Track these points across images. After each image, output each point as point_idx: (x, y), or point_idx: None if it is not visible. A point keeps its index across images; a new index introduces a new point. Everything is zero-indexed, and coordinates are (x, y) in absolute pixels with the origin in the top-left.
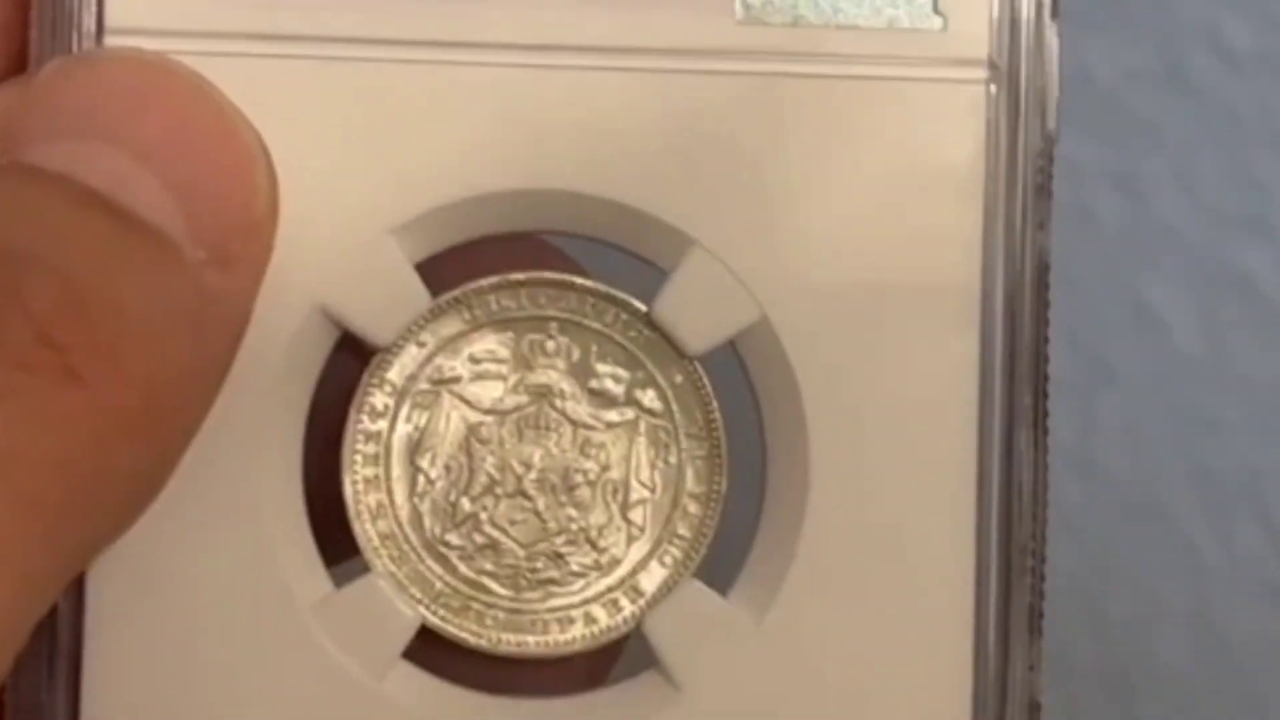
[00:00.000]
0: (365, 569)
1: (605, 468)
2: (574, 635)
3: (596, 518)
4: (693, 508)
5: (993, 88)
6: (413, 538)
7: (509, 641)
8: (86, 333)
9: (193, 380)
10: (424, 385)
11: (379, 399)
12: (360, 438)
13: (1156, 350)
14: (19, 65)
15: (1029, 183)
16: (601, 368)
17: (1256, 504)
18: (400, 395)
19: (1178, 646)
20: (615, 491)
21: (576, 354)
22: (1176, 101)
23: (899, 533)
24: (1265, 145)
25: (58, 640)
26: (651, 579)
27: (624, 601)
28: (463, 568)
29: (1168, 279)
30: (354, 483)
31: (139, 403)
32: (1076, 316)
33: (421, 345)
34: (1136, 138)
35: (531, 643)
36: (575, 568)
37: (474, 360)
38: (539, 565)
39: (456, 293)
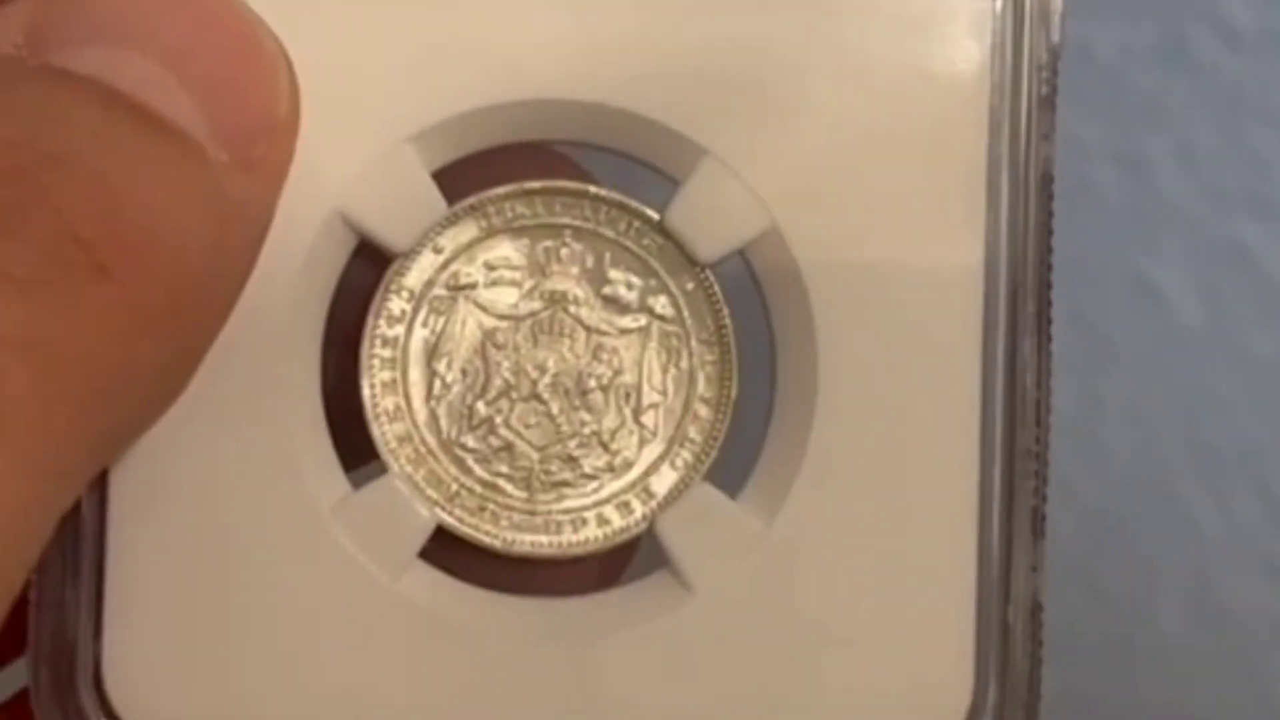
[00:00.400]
0: (382, 471)
1: (618, 372)
2: (587, 536)
3: (609, 421)
4: (704, 412)
5: (999, 1)
6: (429, 440)
7: (523, 542)
8: (115, 231)
9: (216, 280)
10: (440, 291)
11: (396, 304)
12: (378, 342)
13: (1158, 326)
14: None
15: (1034, 94)
16: (615, 275)
17: (1256, 477)
18: (417, 301)
19: (1177, 618)
20: (628, 396)
21: (590, 261)
22: (1178, 79)
23: (905, 437)
24: (1266, 122)
25: (81, 538)
26: (663, 481)
27: (636, 503)
28: (478, 470)
29: (1169, 255)
30: (371, 386)
31: (164, 300)
32: (1079, 293)
33: (438, 252)
34: (1138, 115)
35: (545, 543)
36: (588, 470)
37: (489, 267)
38: (553, 468)
39: (472, 200)
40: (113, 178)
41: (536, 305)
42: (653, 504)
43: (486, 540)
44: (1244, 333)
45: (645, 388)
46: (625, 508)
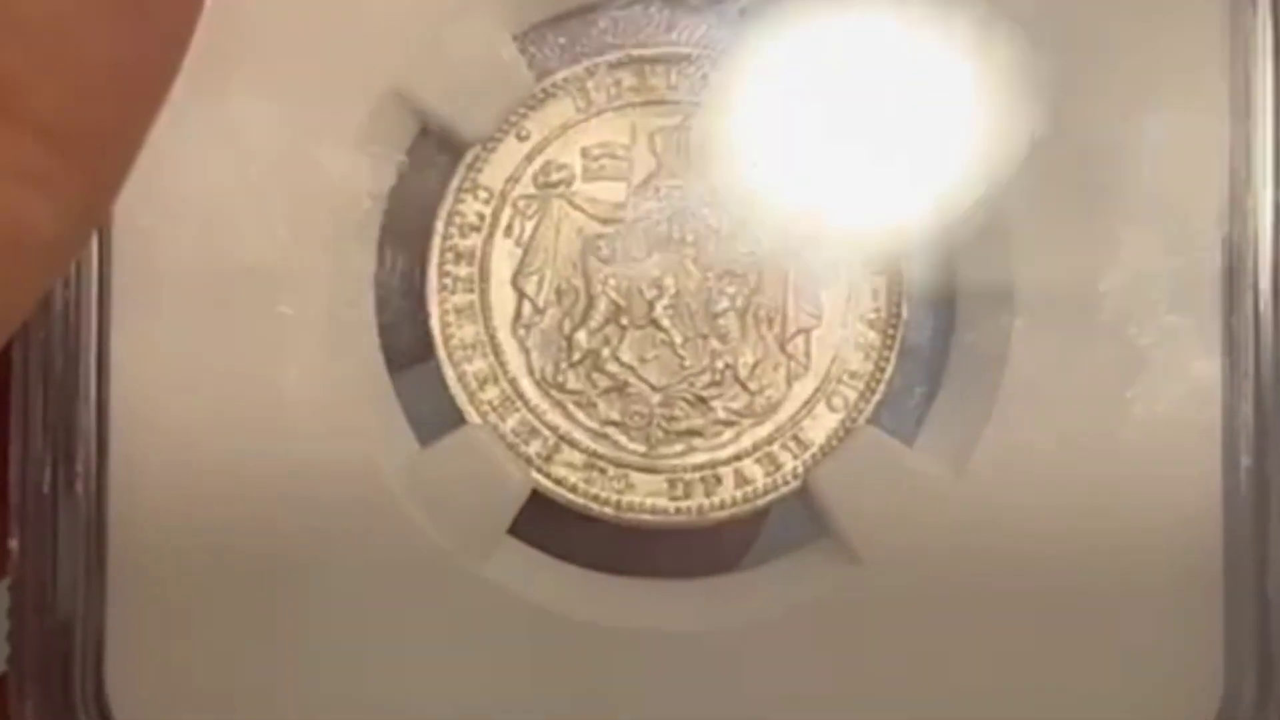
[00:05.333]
0: (460, 421)
1: (755, 290)
2: (722, 498)
3: (747, 353)
4: (868, 337)
5: None
6: (520, 381)
7: (641, 507)
8: None
9: None
10: (527, 189)
11: (472, 208)
12: (449, 257)
13: None
14: None
15: None
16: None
17: None
18: (498, 203)
19: None
20: (769, 319)
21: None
22: None
23: (1126, 363)
24: None
25: (74, 530)
26: (818, 427)
27: (784, 455)
28: (582, 417)
29: None
30: (443, 313)
31: None
32: None
33: (523, 138)
34: None
35: (669, 509)
36: (722, 415)
37: (589, 155)
38: (677, 413)
39: (566, 73)
40: None
41: (650, 205)
42: (806, 456)
43: (595, 507)
44: None
45: (792, 308)
46: (771, 461)
